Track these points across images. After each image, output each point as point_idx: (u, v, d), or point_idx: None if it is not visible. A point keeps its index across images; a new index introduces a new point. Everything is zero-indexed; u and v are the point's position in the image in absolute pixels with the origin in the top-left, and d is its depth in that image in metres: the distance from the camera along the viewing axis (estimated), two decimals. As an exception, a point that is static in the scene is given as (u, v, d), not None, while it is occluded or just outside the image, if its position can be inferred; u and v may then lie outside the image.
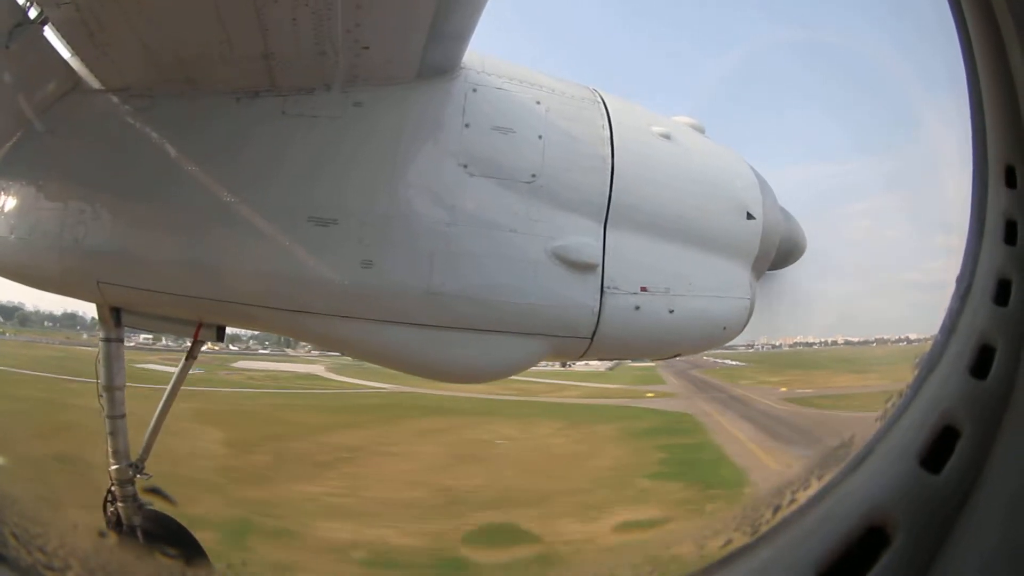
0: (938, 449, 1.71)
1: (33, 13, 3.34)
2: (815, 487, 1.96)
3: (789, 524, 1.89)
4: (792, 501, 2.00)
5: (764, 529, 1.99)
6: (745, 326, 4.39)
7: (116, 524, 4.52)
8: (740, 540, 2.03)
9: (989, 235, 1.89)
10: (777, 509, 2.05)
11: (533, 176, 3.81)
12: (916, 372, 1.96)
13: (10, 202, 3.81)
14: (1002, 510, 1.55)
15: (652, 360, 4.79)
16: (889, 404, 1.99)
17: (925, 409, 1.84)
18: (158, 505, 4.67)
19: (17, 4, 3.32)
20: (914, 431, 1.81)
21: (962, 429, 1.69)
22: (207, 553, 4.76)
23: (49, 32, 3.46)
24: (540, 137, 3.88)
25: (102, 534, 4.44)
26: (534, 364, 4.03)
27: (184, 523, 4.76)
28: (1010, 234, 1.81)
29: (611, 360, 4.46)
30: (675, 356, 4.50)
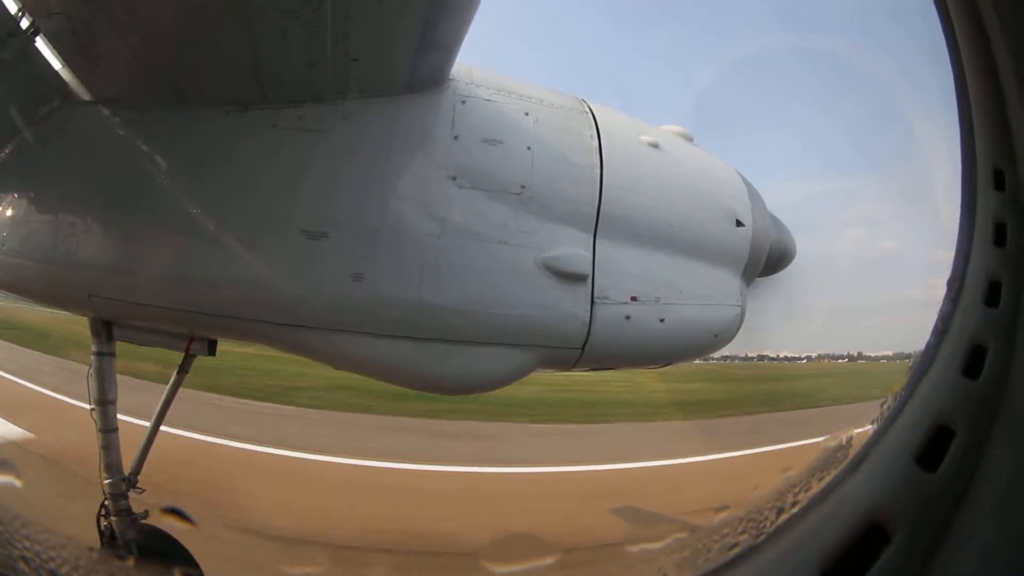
0: (934, 448, 1.73)
1: (25, 23, 3.33)
2: (816, 488, 1.98)
3: (792, 525, 1.91)
4: (794, 503, 2.02)
5: (768, 531, 2.02)
6: (736, 333, 4.41)
7: (110, 539, 4.48)
8: (745, 543, 2.06)
9: (979, 237, 1.92)
10: (780, 511, 2.06)
11: (522, 187, 3.81)
12: (910, 374, 1.99)
13: (1, 213, 3.78)
14: (998, 505, 1.57)
15: (644, 369, 4.78)
16: (884, 406, 2.02)
17: (920, 410, 1.86)
18: (167, 523, 4.65)
19: (9, 14, 3.30)
20: (910, 431, 1.83)
21: (956, 429, 1.72)
22: (201, 568, 4.71)
23: (40, 43, 3.44)
24: (529, 148, 3.88)
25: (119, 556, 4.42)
26: (526, 375, 4.01)
27: (180, 538, 4.73)
28: (999, 236, 1.84)
29: (603, 370, 4.43)
30: (667, 365, 4.51)
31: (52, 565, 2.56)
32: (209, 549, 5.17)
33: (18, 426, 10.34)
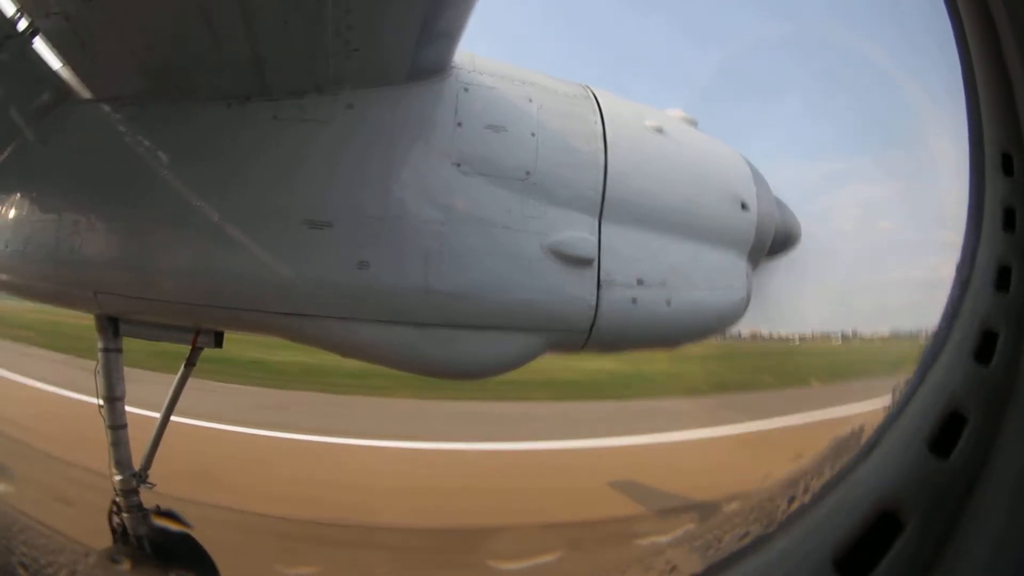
0: (946, 434, 1.73)
1: (23, 24, 3.31)
2: (828, 476, 1.99)
3: (805, 513, 1.92)
4: (806, 491, 2.02)
5: (780, 520, 2.02)
6: (742, 316, 4.41)
7: (122, 535, 4.51)
8: (757, 532, 2.07)
9: (988, 223, 1.91)
10: (792, 499, 2.07)
11: (527, 173, 3.80)
12: (921, 359, 1.99)
13: (4, 214, 3.78)
14: (1010, 491, 1.58)
15: (651, 352, 4.80)
16: (896, 392, 2.02)
17: (932, 395, 1.87)
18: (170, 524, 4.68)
19: (6, 15, 3.29)
20: (921, 417, 1.84)
21: (968, 414, 1.72)
22: (215, 563, 4.74)
23: (39, 43, 3.43)
24: (533, 134, 3.86)
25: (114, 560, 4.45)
26: (533, 359, 4.01)
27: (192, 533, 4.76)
28: (1008, 221, 1.84)
29: (610, 353, 4.44)
30: (673, 347, 4.51)
31: (50, 570, 2.58)
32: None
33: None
